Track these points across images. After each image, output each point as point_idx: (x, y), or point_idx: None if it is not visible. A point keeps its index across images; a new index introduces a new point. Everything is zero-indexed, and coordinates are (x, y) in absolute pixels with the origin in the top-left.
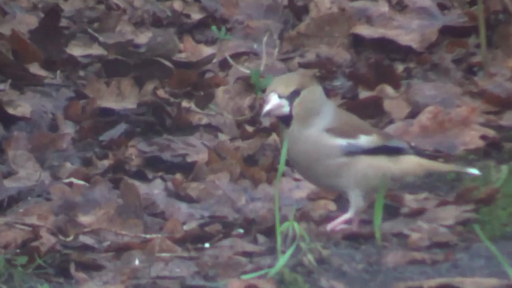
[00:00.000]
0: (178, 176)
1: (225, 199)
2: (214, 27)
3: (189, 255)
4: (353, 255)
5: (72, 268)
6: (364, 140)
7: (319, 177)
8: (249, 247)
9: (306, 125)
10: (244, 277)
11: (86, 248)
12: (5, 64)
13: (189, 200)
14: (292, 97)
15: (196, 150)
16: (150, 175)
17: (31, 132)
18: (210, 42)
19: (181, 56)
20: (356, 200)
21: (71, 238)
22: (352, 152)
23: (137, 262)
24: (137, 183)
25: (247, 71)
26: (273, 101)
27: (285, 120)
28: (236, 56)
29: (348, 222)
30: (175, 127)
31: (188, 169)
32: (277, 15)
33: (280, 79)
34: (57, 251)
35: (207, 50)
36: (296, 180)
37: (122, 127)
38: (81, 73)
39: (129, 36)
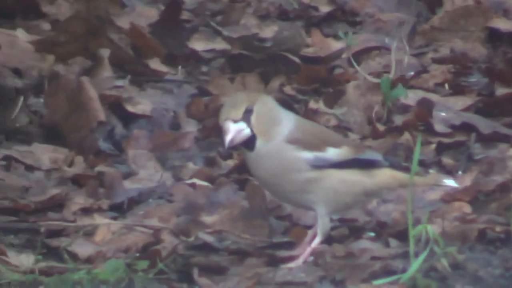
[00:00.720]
0: None
1: None
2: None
3: (315, 259)
4: (490, 260)
5: (195, 273)
6: (333, 153)
7: (287, 193)
8: (381, 251)
9: (270, 139)
10: (375, 282)
11: (207, 249)
12: (124, 59)
13: None
14: (247, 116)
15: None
16: None
17: (151, 130)
18: (339, 36)
19: (309, 51)
20: (323, 223)
21: (192, 238)
22: (320, 166)
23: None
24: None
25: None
26: (232, 129)
27: (249, 142)
28: (367, 51)
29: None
30: None
31: None
32: (409, 8)
33: (228, 104)
34: (179, 254)
35: (336, 45)
36: None
37: None
38: (204, 68)
39: (254, 30)
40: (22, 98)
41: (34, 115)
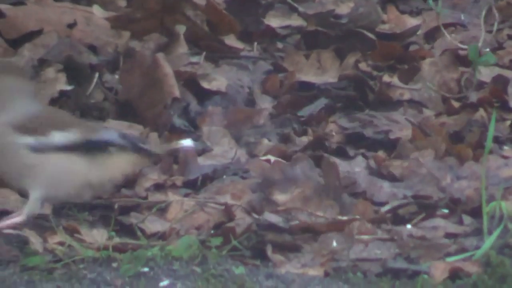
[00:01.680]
0: (381, 153)
1: (429, 178)
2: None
3: (389, 236)
4: None
5: (269, 250)
6: (57, 136)
7: (8, 176)
8: (454, 228)
9: None
10: (449, 259)
11: (278, 228)
12: (199, 35)
13: (391, 178)
14: None
15: (399, 126)
16: (351, 152)
17: (226, 107)
18: (415, 12)
19: (384, 28)
20: (32, 205)
21: (264, 216)
22: (42, 150)
23: (335, 244)
24: (337, 160)
25: (456, 43)
26: None
27: None
28: (443, 27)
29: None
30: (378, 102)
31: (390, 146)
32: None
33: None
34: (253, 231)
35: (411, 21)
36: (504, 157)
37: (322, 102)
38: (279, 45)
39: (330, 6)
40: (97, 75)
41: (109, 92)
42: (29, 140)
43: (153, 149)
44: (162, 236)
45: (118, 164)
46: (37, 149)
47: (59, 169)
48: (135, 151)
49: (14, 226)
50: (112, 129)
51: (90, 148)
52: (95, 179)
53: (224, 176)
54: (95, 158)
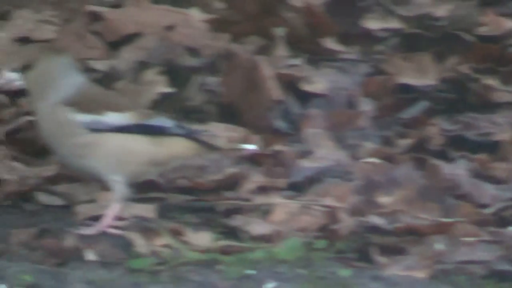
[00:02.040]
0: (483, 156)
1: None
2: None
3: (494, 238)
4: None
5: (374, 252)
6: (112, 117)
7: (67, 158)
8: None
9: (41, 98)
10: None
11: (382, 230)
12: (299, 38)
13: (494, 181)
14: (24, 70)
15: (501, 128)
16: (453, 154)
17: (327, 109)
18: None
19: (483, 30)
20: (118, 189)
21: (368, 219)
22: (97, 129)
23: (439, 246)
24: (439, 163)
25: None
26: (4, 76)
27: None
28: None
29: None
30: (478, 104)
31: (493, 148)
32: None
33: (15, 54)
34: (357, 233)
35: (510, 24)
36: None
37: (423, 104)
38: (379, 47)
39: (428, 9)
40: (197, 77)
41: (210, 94)
42: (85, 118)
43: (213, 143)
44: (266, 239)
45: (178, 145)
46: (93, 128)
47: (119, 148)
48: (191, 140)
49: (115, 216)
50: (168, 119)
51: (145, 132)
52: (157, 157)
53: (326, 179)
54: (154, 138)
